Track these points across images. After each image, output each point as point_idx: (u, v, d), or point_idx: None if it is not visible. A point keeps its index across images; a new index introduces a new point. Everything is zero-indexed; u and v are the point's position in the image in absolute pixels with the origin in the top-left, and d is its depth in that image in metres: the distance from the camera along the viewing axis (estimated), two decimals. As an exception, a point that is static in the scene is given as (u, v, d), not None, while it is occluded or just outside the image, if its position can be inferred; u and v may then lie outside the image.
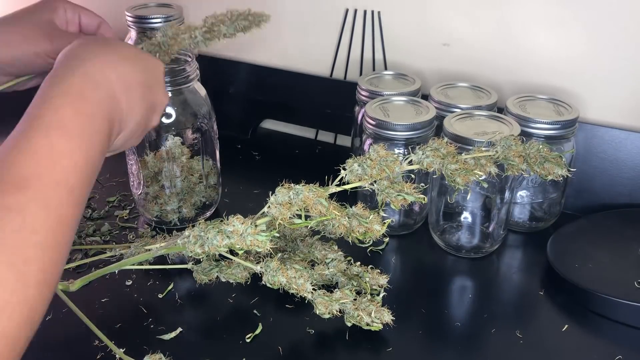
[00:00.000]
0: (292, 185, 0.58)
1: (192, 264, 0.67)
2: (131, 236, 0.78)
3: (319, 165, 0.97)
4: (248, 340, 0.62)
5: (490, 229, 0.74)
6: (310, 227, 0.61)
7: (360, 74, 0.95)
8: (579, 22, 0.80)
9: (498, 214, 0.72)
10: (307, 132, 1.04)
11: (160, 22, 0.92)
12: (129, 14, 0.92)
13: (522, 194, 0.78)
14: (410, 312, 0.67)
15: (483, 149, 0.63)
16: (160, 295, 0.69)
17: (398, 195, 0.58)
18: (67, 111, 0.46)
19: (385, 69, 0.93)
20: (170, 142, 0.76)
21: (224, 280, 0.66)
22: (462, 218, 0.75)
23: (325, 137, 1.03)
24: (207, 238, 0.57)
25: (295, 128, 1.04)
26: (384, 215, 0.61)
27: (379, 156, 0.59)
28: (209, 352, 0.61)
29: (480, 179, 0.60)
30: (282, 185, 0.58)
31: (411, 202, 0.58)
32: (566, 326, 0.65)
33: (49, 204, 0.41)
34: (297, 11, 0.97)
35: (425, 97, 0.81)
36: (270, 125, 1.06)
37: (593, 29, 0.79)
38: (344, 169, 0.61)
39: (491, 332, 0.64)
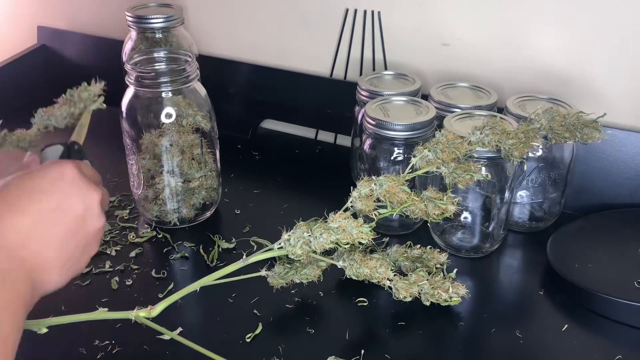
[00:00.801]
0: (373, 177, 0.61)
1: (266, 270, 0.67)
2: (132, 236, 0.78)
3: (319, 165, 0.97)
4: (248, 340, 0.62)
5: (490, 228, 0.74)
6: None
7: (360, 74, 0.95)
8: (579, 22, 0.80)
9: (498, 213, 0.72)
10: (307, 132, 1.04)
11: (160, 22, 0.92)
12: (129, 14, 0.92)
13: (522, 194, 0.78)
14: (410, 312, 0.67)
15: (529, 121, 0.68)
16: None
17: (466, 174, 0.62)
18: None
19: (385, 69, 0.93)
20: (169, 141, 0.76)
21: (298, 281, 0.66)
22: (462, 218, 0.75)
23: (325, 137, 1.03)
24: (315, 237, 0.59)
25: (295, 128, 1.04)
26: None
27: (447, 140, 0.63)
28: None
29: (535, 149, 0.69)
30: (362, 179, 0.62)
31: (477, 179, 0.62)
32: (566, 326, 0.65)
33: None
34: (297, 11, 0.97)
35: (425, 97, 0.81)
36: (270, 125, 1.06)
37: (593, 29, 0.79)
38: (414, 156, 0.64)
39: (491, 332, 0.64)
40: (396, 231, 0.79)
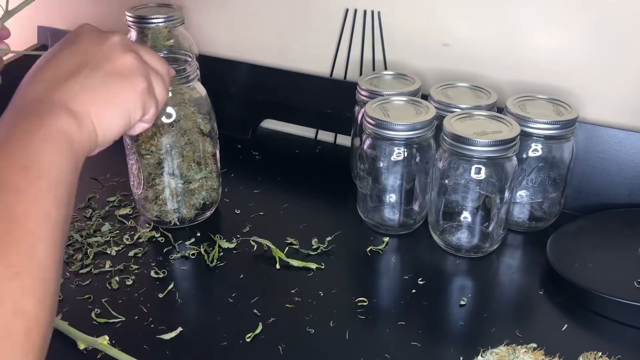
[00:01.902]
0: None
1: None
2: (131, 236, 0.78)
3: (319, 165, 0.97)
4: (248, 340, 0.62)
5: (490, 228, 0.74)
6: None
7: (360, 74, 0.95)
8: (579, 22, 0.80)
9: (498, 213, 0.72)
10: (307, 132, 1.04)
11: (160, 22, 0.92)
12: (129, 14, 0.92)
13: (521, 194, 0.78)
14: (410, 312, 0.67)
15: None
16: (160, 295, 0.69)
17: None
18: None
19: (385, 69, 0.93)
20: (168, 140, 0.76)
21: None
22: (462, 218, 0.75)
23: (325, 137, 1.03)
24: None
25: (295, 128, 1.04)
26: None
27: None
28: (209, 352, 0.61)
29: None
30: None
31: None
32: (566, 326, 0.65)
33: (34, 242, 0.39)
34: (297, 11, 0.97)
35: (425, 97, 0.81)
36: (270, 125, 1.06)
37: (593, 29, 0.79)
38: None
39: (491, 332, 0.64)
40: (396, 231, 0.79)
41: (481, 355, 0.58)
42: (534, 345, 0.58)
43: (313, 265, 0.72)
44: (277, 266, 0.73)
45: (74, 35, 0.51)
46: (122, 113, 0.49)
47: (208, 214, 0.82)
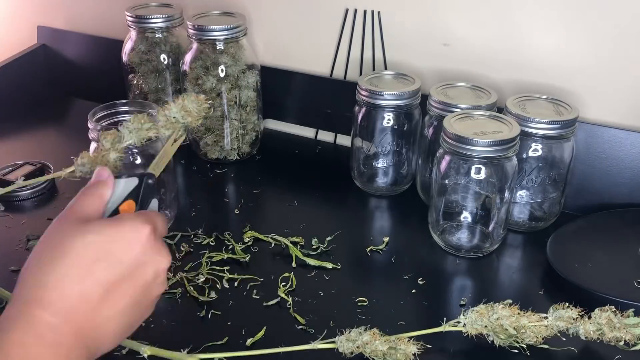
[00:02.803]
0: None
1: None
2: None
3: (319, 165, 0.97)
4: (248, 344, 0.62)
5: (490, 228, 0.74)
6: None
7: (360, 74, 0.95)
8: (579, 22, 0.80)
9: (498, 213, 0.72)
10: (307, 132, 1.04)
11: (160, 22, 0.92)
12: (129, 14, 0.92)
13: (522, 194, 0.78)
14: (410, 312, 0.67)
15: None
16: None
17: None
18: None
19: (385, 68, 0.93)
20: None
21: None
22: (462, 218, 0.75)
23: (325, 137, 1.03)
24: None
25: (295, 128, 1.04)
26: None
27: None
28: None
29: None
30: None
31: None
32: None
33: None
34: (297, 11, 0.97)
35: (425, 96, 0.81)
36: (271, 125, 1.06)
37: (593, 29, 0.79)
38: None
39: (491, 332, 0.64)
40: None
41: (463, 315, 0.61)
42: (510, 301, 0.61)
43: (329, 265, 0.73)
44: (293, 264, 0.73)
45: (125, 249, 0.46)
46: (124, 337, 0.48)
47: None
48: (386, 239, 0.77)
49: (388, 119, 0.82)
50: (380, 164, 0.85)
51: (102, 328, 0.44)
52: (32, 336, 0.41)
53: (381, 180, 0.87)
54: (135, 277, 0.46)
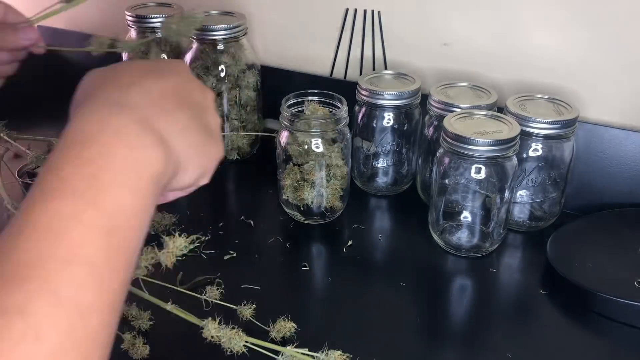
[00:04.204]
0: None
1: None
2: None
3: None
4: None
5: (490, 228, 0.74)
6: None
7: (360, 74, 0.95)
8: (579, 22, 0.80)
9: (498, 213, 0.72)
10: (307, 132, 1.04)
11: (160, 22, 0.92)
12: (129, 14, 0.92)
13: (522, 194, 0.78)
14: (410, 312, 0.67)
15: None
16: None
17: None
18: (69, 166, 0.34)
19: (386, 68, 0.93)
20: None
21: None
22: (461, 217, 0.75)
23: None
24: None
25: (295, 128, 1.04)
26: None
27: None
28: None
29: None
30: None
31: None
32: (566, 326, 0.65)
33: (58, 295, 0.30)
34: (297, 11, 0.97)
35: (425, 96, 0.81)
36: (271, 125, 1.06)
37: (593, 29, 0.79)
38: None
39: (491, 332, 0.64)
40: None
41: None
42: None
43: None
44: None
45: (172, 67, 0.44)
46: (200, 169, 0.43)
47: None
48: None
49: (388, 119, 0.82)
50: (381, 163, 0.86)
51: (168, 131, 0.39)
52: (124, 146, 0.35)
53: (381, 180, 0.87)
54: (186, 90, 0.43)
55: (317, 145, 0.74)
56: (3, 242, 0.31)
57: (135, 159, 0.36)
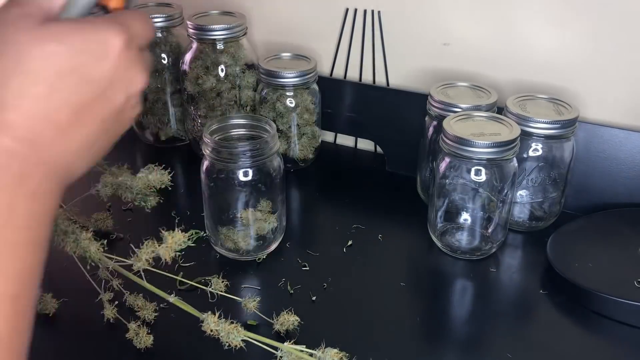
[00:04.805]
0: None
1: None
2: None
3: (319, 165, 0.97)
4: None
5: (490, 229, 0.74)
6: None
7: (361, 74, 0.95)
8: (579, 22, 0.80)
9: (498, 214, 0.72)
10: (307, 132, 1.04)
11: (160, 22, 0.92)
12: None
13: (522, 194, 0.78)
14: (410, 312, 0.67)
15: None
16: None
17: None
18: None
19: (386, 68, 0.93)
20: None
21: None
22: (461, 219, 0.75)
23: (326, 137, 1.03)
24: None
25: (296, 128, 1.04)
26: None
27: None
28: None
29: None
30: None
31: None
32: (566, 326, 0.65)
33: None
34: (297, 11, 0.97)
35: (425, 96, 0.81)
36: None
37: (593, 29, 0.79)
38: None
39: (491, 332, 0.64)
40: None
41: None
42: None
43: None
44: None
45: (103, 58, 0.38)
46: (96, 156, 0.41)
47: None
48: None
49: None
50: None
51: (72, 154, 0.38)
52: None
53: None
54: (105, 98, 0.38)
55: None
56: None
57: (17, 213, 0.34)
